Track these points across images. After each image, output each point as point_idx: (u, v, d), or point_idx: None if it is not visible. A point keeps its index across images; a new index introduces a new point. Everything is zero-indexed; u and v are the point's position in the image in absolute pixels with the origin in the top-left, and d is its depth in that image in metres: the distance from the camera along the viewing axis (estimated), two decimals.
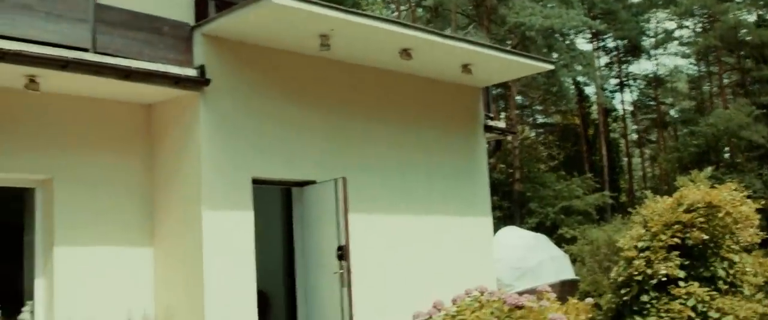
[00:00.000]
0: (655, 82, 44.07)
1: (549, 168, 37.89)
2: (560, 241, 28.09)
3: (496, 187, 33.38)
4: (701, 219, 9.49)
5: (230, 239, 9.28)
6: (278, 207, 11.95)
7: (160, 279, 9.62)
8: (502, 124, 13.55)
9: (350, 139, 10.71)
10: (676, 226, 9.56)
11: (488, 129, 12.73)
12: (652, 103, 45.54)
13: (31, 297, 9.12)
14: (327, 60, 10.35)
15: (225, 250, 9.19)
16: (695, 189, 10.00)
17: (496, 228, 23.62)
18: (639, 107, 46.00)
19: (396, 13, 40.00)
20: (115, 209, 9.50)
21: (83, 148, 9.33)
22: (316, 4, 8.83)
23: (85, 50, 8.43)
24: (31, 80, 8.36)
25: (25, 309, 8.98)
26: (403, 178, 11.26)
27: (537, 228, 29.52)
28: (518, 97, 39.73)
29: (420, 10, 39.71)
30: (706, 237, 9.49)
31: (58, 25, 8.33)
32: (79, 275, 9.09)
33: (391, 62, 10.71)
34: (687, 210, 9.64)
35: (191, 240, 9.15)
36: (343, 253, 9.71)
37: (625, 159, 44.73)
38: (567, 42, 36.92)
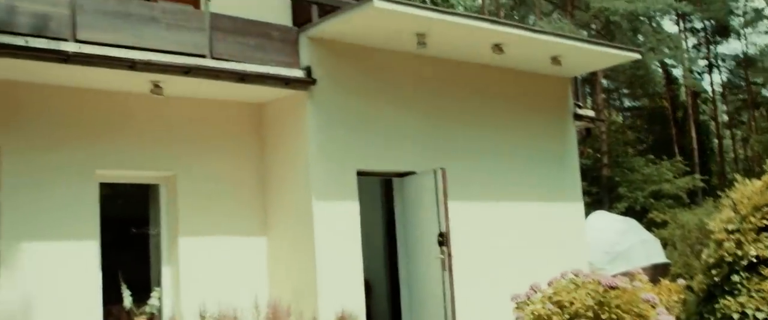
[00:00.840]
0: (745, 62, 43.34)
1: (637, 152, 37.70)
2: (650, 225, 28.07)
3: (584, 173, 33.31)
4: None
5: (338, 227, 9.94)
6: (377, 196, 12.61)
7: (273, 265, 10.36)
8: (591, 113, 13.92)
9: (447, 131, 11.25)
10: (766, 208, 9.81)
11: (577, 117, 13.12)
12: (742, 83, 44.81)
13: (159, 284, 9.97)
14: (423, 56, 10.91)
15: (334, 238, 9.86)
16: None
17: (586, 213, 23.87)
18: (729, 88, 45.30)
19: (479, 1, 40.28)
20: (232, 201, 10.28)
21: (202, 145, 10.13)
22: (414, 6, 9.41)
23: (204, 57, 9.18)
24: (156, 85, 9.15)
25: (154, 295, 9.79)
26: (498, 167, 11.76)
27: (626, 213, 29.53)
28: (604, 81, 39.60)
29: None
30: None
31: (178, 34, 9.09)
32: (201, 263, 9.90)
33: (484, 56, 11.19)
34: None
35: (303, 228, 9.85)
36: (443, 239, 10.29)
37: (716, 141, 44.14)
38: (653, 25, 36.70)
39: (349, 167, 10.17)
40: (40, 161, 8.94)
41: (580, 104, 13.33)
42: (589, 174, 33.38)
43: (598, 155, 34.85)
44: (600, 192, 33.33)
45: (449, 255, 10.26)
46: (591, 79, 36.65)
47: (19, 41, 7.94)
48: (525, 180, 12.11)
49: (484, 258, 11.24)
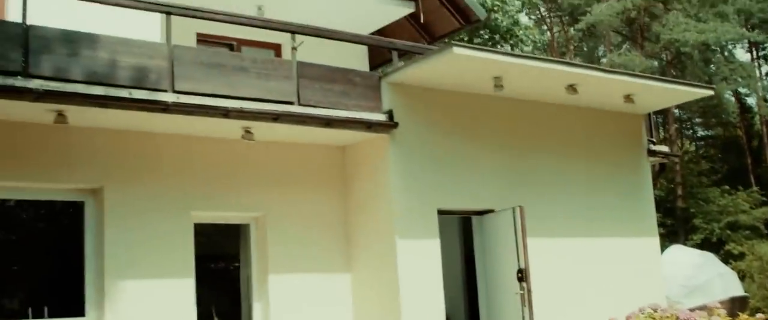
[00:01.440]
0: None
1: (712, 182, 37.35)
2: (727, 257, 27.81)
3: (658, 204, 33.04)
4: None
5: (420, 264, 10.31)
6: (456, 234, 12.96)
7: (358, 301, 10.77)
8: (665, 148, 14.09)
9: (523, 169, 11.57)
10: None
11: (651, 153, 13.29)
12: None
13: (250, 318, 10.45)
14: (499, 97, 11.26)
15: (416, 274, 10.23)
16: None
17: (661, 246, 23.80)
18: None
19: (549, 35, 40.51)
20: (318, 240, 10.75)
21: (289, 187, 10.63)
22: (490, 51, 9.83)
23: (291, 103, 9.69)
24: (247, 131, 9.69)
25: None
26: (574, 203, 12.01)
27: (702, 245, 29.32)
28: (677, 111, 39.39)
29: (572, 30, 40.06)
30: None
31: (267, 82, 9.63)
32: (289, 299, 10.36)
33: (559, 96, 11.50)
34: None
35: (386, 265, 10.25)
36: (522, 275, 10.58)
37: None
38: (724, 54, 36.48)
39: (430, 206, 10.55)
40: (140, 203, 9.53)
41: (654, 140, 13.51)
42: (662, 206, 33.17)
43: (672, 186, 34.63)
44: (675, 224, 33.11)
45: (529, 290, 10.55)
46: (663, 109, 36.50)
47: (123, 93, 8.55)
48: (601, 215, 12.31)
49: (562, 293, 11.47)
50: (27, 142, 8.95)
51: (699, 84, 13.18)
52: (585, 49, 42.65)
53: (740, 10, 32.93)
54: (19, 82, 8.01)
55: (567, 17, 39.41)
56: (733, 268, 22.95)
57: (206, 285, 10.12)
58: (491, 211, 11.18)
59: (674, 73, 34.50)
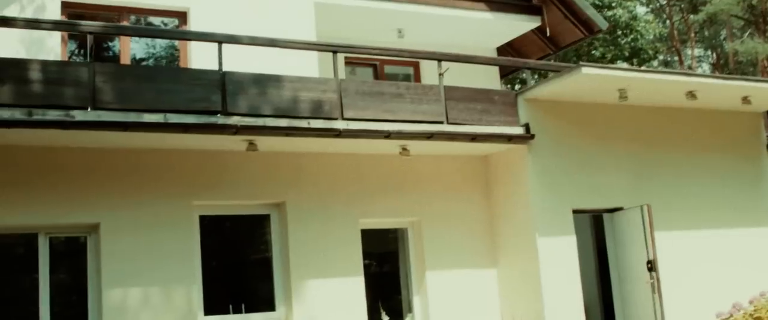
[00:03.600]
0: None
1: None
2: None
3: None
4: None
5: (559, 259, 11.66)
6: (588, 230, 14.24)
7: (504, 293, 12.20)
8: None
9: (649, 170, 12.74)
10: None
11: None
12: None
13: (411, 310, 12.04)
14: (623, 105, 12.45)
15: (556, 268, 11.59)
16: None
17: None
18: None
19: (668, 22, 40.70)
20: (466, 239, 12.24)
21: (439, 193, 12.17)
22: (615, 68, 11.10)
23: (441, 123, 11.19)
24: (404, 148, 11.25)
25: (408, 318, 11.88)
26: (697, 198, 13.08)
27: None
28: None
29: (692, 16, 40.16)
30: None
31: (420, 106, 11.15)
32: (444, 293, 11.91)
33: (679, 101, 12.59)
34: None
35: (528, 261, 11.65)
36: (652, 266, 11.79)
37: None
38: None
39: (566, 206, 11.89)
40: (316, 213, 11.24)
41: None
42: None
43: None
44: None
45: (658, 279, 11.75)
46: None
47: (303, 123, 10.24)
48: (723, 209, 13.32)
49: (689, 282, 12.57)
50: (223, 167, 10.77)
51: None
52: (706, 34, 42.63)
53: None
54: (220, 119, 9.79)
55: (687, 4, 39.57)
56: None
57: (374, 283, 11.73)
58: (621, 209, 12.42)
59: None
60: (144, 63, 13.01)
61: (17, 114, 8.74)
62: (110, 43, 12.79)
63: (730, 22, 37.80)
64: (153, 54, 13.23)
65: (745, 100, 12.84)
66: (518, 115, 11.84)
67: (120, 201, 10.10)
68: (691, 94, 12.15)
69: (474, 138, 11.35)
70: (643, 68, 11.39)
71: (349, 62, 14.97)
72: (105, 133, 9.34)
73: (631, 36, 30.34)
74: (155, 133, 9.62)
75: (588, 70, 10.84)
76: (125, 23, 12.30)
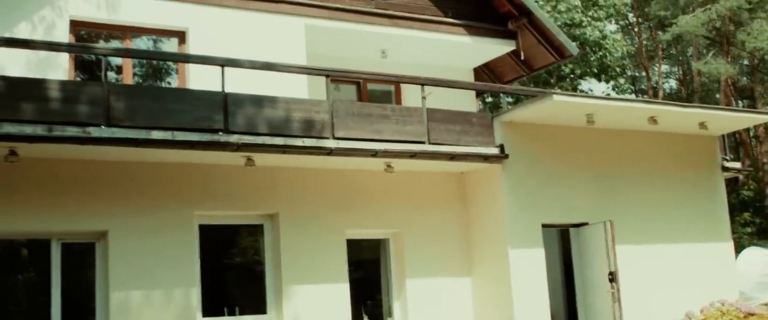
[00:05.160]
0: None
1: None
2: None
3: (747, 204, 34.59)
4: None
5: (529, 269, 12.66)
6: (555, 244, 15.27)
7: (477, 300, 13.18)
8: (737, 165, 16.09)
9: (612, 188, 13.78)
10: None
11: (725, 169, 15.32)
12: None
13: (391, 314, 12.98)
14: (591, 128, 13.47)
15: (525, 278, 12.58)
16: None
17: (749, 243, 25.54)
18: None
19: (637, 40, 41.89)
20: (444, 250, 13.22)
21: (419, 207, 13.13)
22: (584, 96, 12.12)
23: (423, 143, 12.13)
24: (388, 166, 12.19)
25: None
26: (656, 215, 14.15)
27: None
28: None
29: (660, 34, 41.41)
30: None
31: (404, 126, 12.08)
32: (422, 298, 12.86)
33: (641, 126, 13.63)
34: None
35: (500, 271, 12.63)
36: (613, 277, 12.82)
37: None
38: None
39: (536, 221, 12.89)
40: (305, 224, 12.15)
41: (727, 158, 15.52)
42: (752, 205, 34.48)
43: (761, 185, 35.77)
44: (764, 222, 34.31)
45: (618, 289, 12.78)
46: (752, 105, 37.47)
47: (297, 142, 11.14)
48: (680, 224, 14.40)
49: (647, 291, 13.62)
50: (222, 180, 11.65)
51: (762, 110, 15.11)
52: (674, 51, 43.93)
53: None
54: (222, 137, 10.66)
55: (655, 23, 40.76)
56: None
57: (357, 288, 12.64)
58: (586, 224, 13.44)
59: (761, 79, 35.78)
60: (136, 74, 13.82)
61: (39, 130, 9.55)
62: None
63: (697, 41, 39.05)
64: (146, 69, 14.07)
65: (702, 125, 13.92)
66: (494, 136, 12.81)
67: (126, 210, 10.96)
68: (653, 120, 13.20)
69: (453, 157, 12.31)
70: (609, 96, 12.47)
71: (334, 80, 15.84)
72: (117, 148, 10.17)
73: (600, 53, 31.51)
74: (161, 149, 10.48)
75: (559, 98, 11.86)
76: (128, 42, 13.13)
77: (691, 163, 14.84)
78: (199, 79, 12.46)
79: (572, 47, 16.66)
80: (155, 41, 13.68)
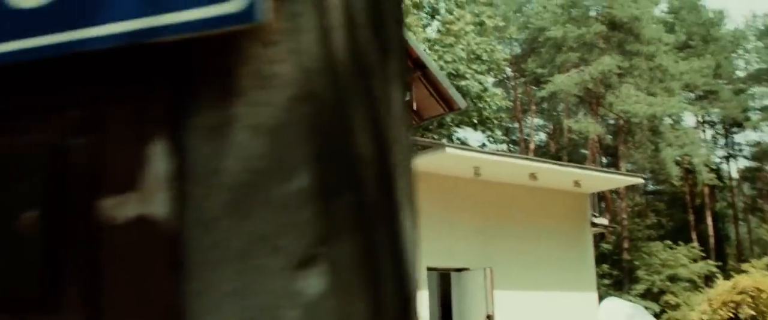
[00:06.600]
0: (761, 153, 46.07)
1: (658, 236, 40.27)
2: (666, 307, 30.91)
3: (605, 257, 36.44)
4: (749, 300, 13.21)
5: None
6: (434, 286, 16.15)
7: None
8: (605, 221, 17.46)
9: (493, 236, 14.78)
10: (731, 304, 13.29)
11: (594, 224, 16.61)
12: (759, 171, 47.33)
13: None
14: (477, 180, 14.45)
15: None
16: (747, 277, 13.72)
17: (606, 293, 27.12)
18: (746, 177, 48.06)
19: (513, 94, 43.83)
20: None
21: None
22: (474, 150, 13.10)
23: None
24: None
25: None
26: (531, 264, 15.23)
27: (644, 295, 32.45)
28: (628, 165, 42.69)
29: (535, 89, 43.48)
30: (753, 313, 13.19)
31: None
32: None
33: (522, 180, 14.72)
34: (739, 293, 13.38)
35: None
36: (490, 319, 13.76)
37: (733, 227, 46.73)
38: (672, 119, 40.08)
39: (421, 264, 13.66)
40: None
41: (596, 214, 16.83)
42: (610, 258, 36.36)
43: (619, 239, 37.75)
44: (620, 274, 36.24)
45: None
46: (614, 162, 39.80)
47: None
48: (551, 273, 15.53)
49: None
50: None
51: (631, 174, 16.53)
52: (545, 107, 46.10)
53: (687, 84, 36.63)
54: None
55: (530, 80, 42.82)
56: (670, 318, 25.89)
57: None
58: (467, 269, 14.37)
59: (624, 139, 38.08)
60: None
61: None
62: None
63: (569, 99, 41.18)
64: None
65: (576, 183, 15.14)
66: None
67: None
68: (533, 175, 14.30)
69: None
70: (495, 151, 13.43)
71: None
72: None
73: (480, 105, 32.97)
74: None
75: (451, 151, 12.80)
76: None
77: (565, 217, 16.02)
78: None
79: (461, 101, 17.70)
80: None
